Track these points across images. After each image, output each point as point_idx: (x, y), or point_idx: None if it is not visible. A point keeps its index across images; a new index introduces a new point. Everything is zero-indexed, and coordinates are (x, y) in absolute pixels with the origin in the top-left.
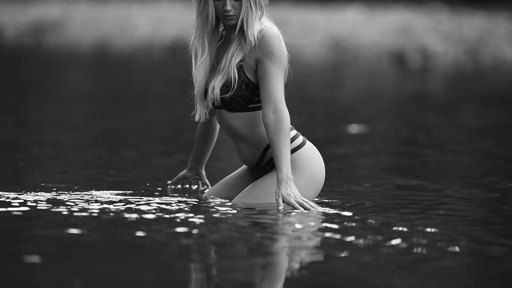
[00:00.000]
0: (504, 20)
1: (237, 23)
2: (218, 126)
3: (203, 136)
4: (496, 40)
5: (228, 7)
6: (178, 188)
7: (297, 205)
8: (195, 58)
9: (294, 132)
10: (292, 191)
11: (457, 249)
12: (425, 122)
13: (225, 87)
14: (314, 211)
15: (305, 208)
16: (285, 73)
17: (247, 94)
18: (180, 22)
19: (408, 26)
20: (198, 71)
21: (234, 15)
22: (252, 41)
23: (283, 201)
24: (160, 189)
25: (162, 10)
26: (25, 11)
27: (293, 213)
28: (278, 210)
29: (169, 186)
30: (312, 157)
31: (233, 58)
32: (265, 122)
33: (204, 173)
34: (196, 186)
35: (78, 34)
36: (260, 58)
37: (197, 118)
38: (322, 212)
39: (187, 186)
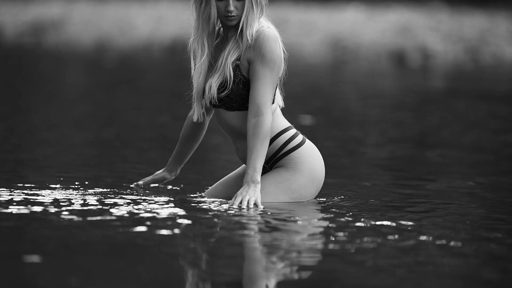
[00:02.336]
0: (504, 19)
1: (238, 23)
2: (206, 127)
3: (190, 137)
4: (496, 40)
5: (231, 8)
6: (150, 187)
7: (236, 202)
8: (194, 59)
9: (293, 131)
10: (248, 193)
11: (457, 249)
12: (424, 120)
13: (222, 85)
14: (247, 209)
15: (241, 207)
16: (278, 75)
17: (244, 93)
18: (180, 22)
19: (408, 26)
20: (197, 72)
21: (236, 16)
22: (249, 40)
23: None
24: (159, 188)
25: (162, 10)
26: (25, 10)
27: (261, 211)
28: (228, 206)
29: (138, 186)
30: (311, 155)
31: (229, 56)
32: (247, 124)
33: (178, 171)
34: (170, 186)
35: (78, 33)
36: (252, 59)
37: (195, 118)
38: (260, 212)
39: (161, 186)
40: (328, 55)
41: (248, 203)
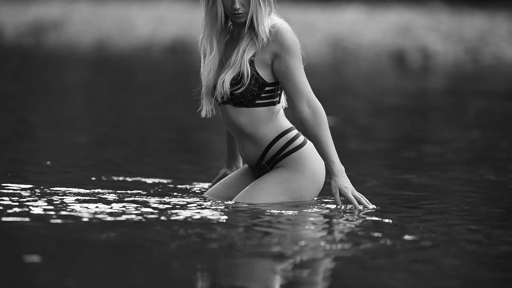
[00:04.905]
0: (504, 19)
1: (246, 20)
2: None
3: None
4: (496, 40)
5: (237, 5)
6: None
7: (355, 202)
8: (204, 57)
9: (295, 132)
10: (348, 184)
11: (457, 249)
12: (424, 119)
13: (234, 79)
14: (370, 208)
15: (361, 203)
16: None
17: (255, 90)
18: (180, 22)
19: (408, 26)
20: (207, 69)
21: (243, 13)
22: (264, 38)
23: (340, 195)
24: (159, 188)
25: (162, 10)
26: (25, 10)
27: (325, 210)
28: (337, 207)
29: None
30: (312, 156)
31: (245, 54)
32: (302, 117)
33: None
34: (170, 186)
35: (78, 33)
36: (278, 53)
37: (203, 114)
38: (375, 209)
39: None
40: (328, 56)
41: (364, 201)
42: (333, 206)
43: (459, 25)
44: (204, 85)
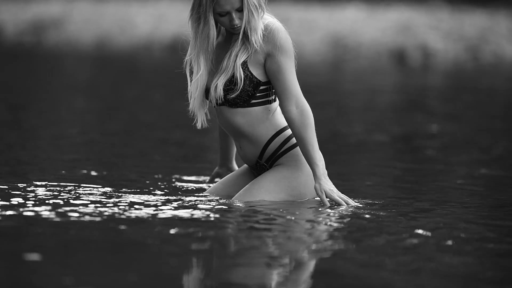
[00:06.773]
0: (505, 18)
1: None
2: None
3: (225, 133)
4: (497, 38)
5: (236, 21)
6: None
7: (341, 201)
8: (190, 74)
9: None
10: (333, 186)
11: (457, 248)
12: (424, 118)
13: (228, 84)
14: (353, 206)
15: (347, 203)
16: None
17: (250, 90)
18: (180, 20)
19: (408, 24)
20: (194, 87)
21: (241, 25)
22: (257, 46)
23: (326, 197)
24: (159, 187)
25: (162, 8)
26: (25, 9)
27: (324, 210)
28: (325, 207)
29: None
30: None
31: (237, 58)
32: (289, 117)
33: (236, 166)
34: (168, 185)
35: (78, 32)
36: (270, 52)
37: (199, 126)
38: (359, 207)
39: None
40: (328, 54)
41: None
42: (331, 204)
43: (460, 24)
44: (192, 102)
